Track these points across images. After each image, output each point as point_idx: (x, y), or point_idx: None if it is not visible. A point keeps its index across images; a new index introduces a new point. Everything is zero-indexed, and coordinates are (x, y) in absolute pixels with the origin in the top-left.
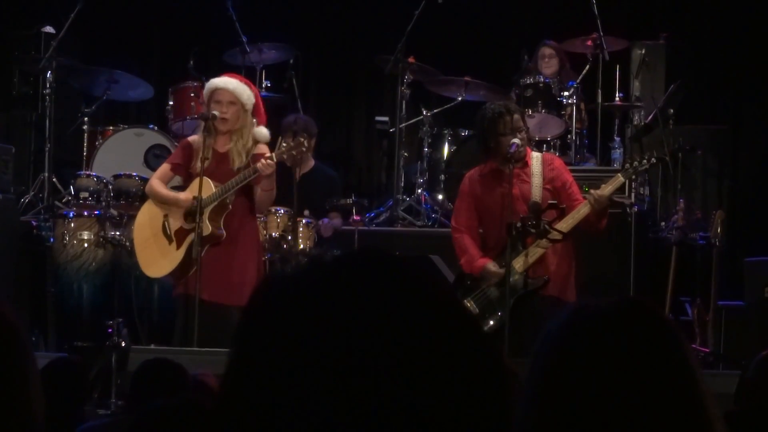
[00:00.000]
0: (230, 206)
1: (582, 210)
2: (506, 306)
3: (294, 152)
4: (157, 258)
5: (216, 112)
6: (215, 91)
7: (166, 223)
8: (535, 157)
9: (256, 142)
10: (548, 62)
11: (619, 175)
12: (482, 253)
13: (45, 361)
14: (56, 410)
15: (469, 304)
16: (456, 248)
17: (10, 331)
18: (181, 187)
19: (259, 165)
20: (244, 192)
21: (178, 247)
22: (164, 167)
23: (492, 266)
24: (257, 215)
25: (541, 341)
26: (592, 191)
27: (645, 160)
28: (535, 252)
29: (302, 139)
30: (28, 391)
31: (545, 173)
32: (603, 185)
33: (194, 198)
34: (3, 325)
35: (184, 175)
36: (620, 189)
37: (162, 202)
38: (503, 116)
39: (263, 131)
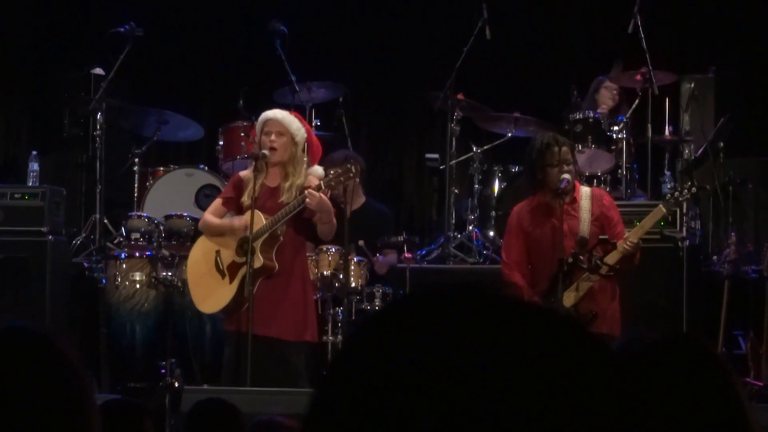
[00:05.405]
0: (281, 238)
1: (615, 256)
2: None
3: (342, 178)
4: (210, 293)
5: (266, 151)
6: (265, 122)
7: (218, 258)
8: (585, 192)
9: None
10: (616, 95)
11: (660, 206)
12: (530, 289)
13: (99, 402)
14: None
15: None
16: None
17: (70, 369)
18: None
19: (305, 193)
20: (294, 224)
21: (231, 281)
22: (216, 202)
23: None
24: (315, 249)
25: None
26: (623, 238)
27: (686, 191)
28: (584, 286)
29: (350, 165)
30: (89, 429)
31: (594, 209)
32: (632, 231)
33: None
34: (63, 363)
35: (235, 209)
36: (671, 223)
37: (217, 232)
38: (551, 147)
39: (319, 170)
